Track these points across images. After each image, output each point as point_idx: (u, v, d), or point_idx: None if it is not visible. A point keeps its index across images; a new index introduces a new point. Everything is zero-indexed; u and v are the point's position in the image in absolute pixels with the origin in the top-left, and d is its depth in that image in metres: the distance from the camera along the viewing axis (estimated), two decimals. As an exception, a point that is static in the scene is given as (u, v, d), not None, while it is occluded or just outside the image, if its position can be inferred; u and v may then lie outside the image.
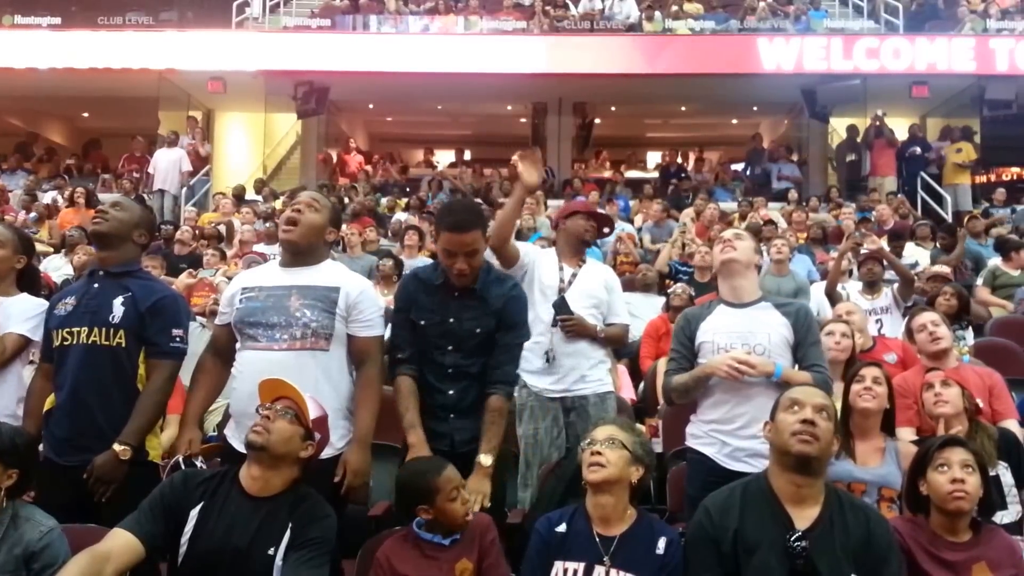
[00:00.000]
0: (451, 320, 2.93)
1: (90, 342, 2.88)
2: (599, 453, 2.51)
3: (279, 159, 14.70)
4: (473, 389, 2.92)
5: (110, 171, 13.04)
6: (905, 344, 4.18)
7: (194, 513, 2.42)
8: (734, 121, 16.22)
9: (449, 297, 2.95)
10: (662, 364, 4.74)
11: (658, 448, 4.00)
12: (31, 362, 3.60)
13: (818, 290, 6.07)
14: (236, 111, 14.10)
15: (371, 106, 15.43)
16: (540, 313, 3.64)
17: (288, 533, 2.38)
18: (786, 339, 2.97)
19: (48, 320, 3.02)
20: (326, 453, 2.66)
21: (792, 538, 2.30)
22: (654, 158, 17.01)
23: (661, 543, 2.48)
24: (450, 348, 2.92)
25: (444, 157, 16.41)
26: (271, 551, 2.35)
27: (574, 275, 3.81)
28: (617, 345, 4.23)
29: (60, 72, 12.10)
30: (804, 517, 2.36)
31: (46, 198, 10.86)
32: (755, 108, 15.06)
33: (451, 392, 2.91)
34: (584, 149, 15.26)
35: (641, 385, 5.20)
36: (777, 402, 2.51)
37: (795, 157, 13.47)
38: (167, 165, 11.58)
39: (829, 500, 2.39)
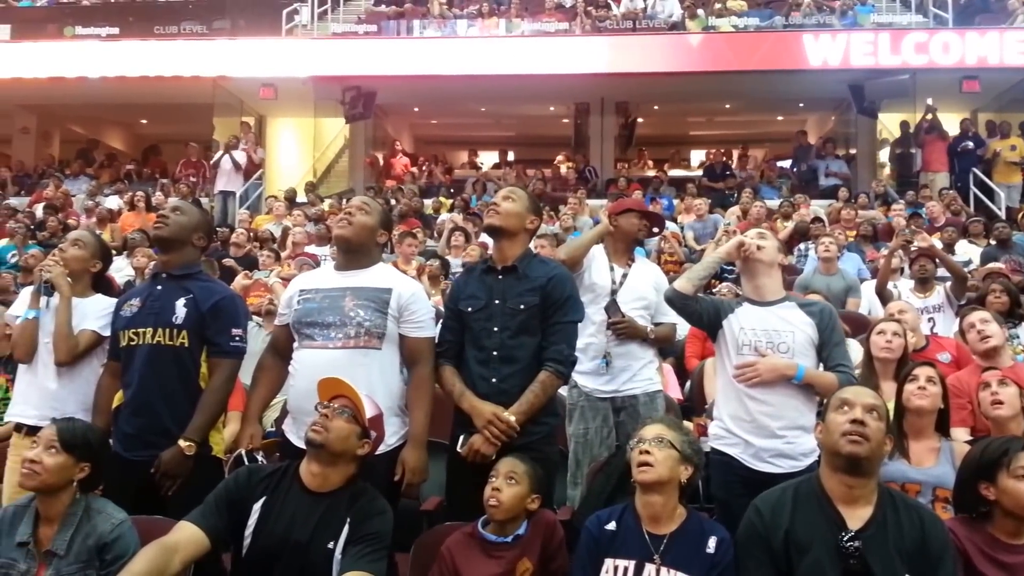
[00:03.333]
0: (496, 301, 2.99)
1: (155, 342, 3.00)
2: (648, 452, 2.51)
3: (328, 163, 14.95)
4: (517, 377, 2.92)
5: (168, 176, 13.38)
6: (959, 343, 4.14)
7: (257, 507, 2.49)
8: (779, 118, 16.06)
9: (493, 279, 3.04)
10: (709, 364, 4.78)
11: (706, 447, 4.04)
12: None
13: (868, 289, 6.03)
14: (287, 116, 14.36)
15: (416, 109, 15.59)
16: (591, 314, 3.64)
17: (347, 528, 2.44)
18: (811, 339, 2.98)
19: (115, 321, 3.16)
20: (380, 449, 2.72)
21: (845, 538, 2.28)
22: (698, 156, 16.92)
23: (712, 542, 2.46)
24: (495, 330, 2.96)
25: (488, 158, 16.53)
26: (331, 545, 2.41)
27: (624, 275, 3.86)
28: (666, 344, 4.26)
29: (118, 80, 12.45)
30: (856, 517, 2.34)
31: (108, 202, 11.20)
32: (801, 104, 14.89)
33: (494, 379, 2.93)
34: (627, 148, 15.24)
35: (688, 384, 5.24)
36: (827, 403, 2.50)
37: (842, 153, 13.32)
38: (229, 168, 11.88)
39: (882, 500, 2.37)
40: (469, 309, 3.03)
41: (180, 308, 3.02)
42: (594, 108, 14.13)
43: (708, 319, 3.12)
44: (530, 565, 2.60)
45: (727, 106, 15.26)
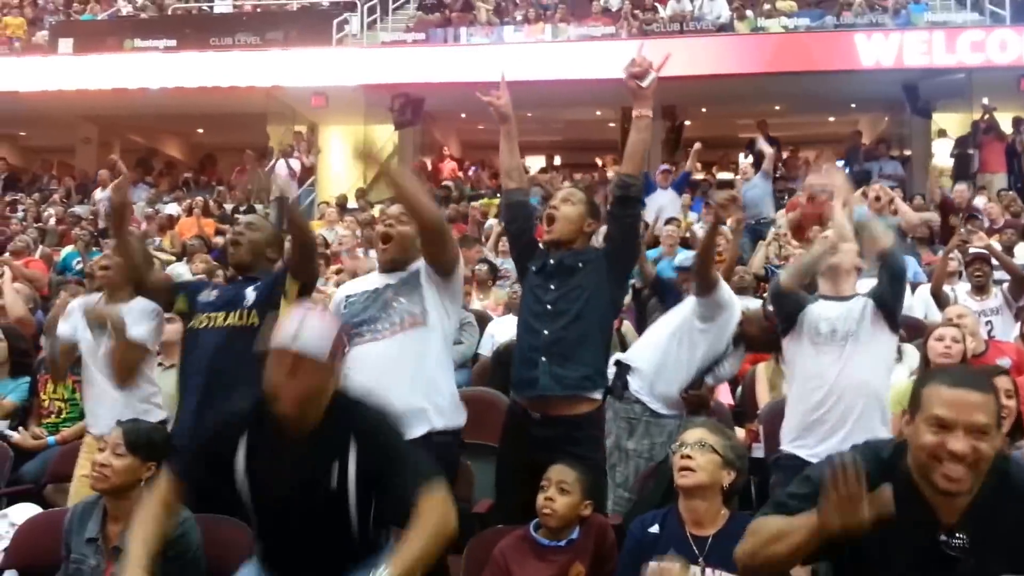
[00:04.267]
0: (552, 262, 3.07)
1: (227, 325, 3.12)
2: (689, 457, 2.52)
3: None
4: (570, 330, 2.96)
5: (224, 183, 13.69)
6: (1019, 347, 4.08)
7: (240, 457, 2.26)
8: (831, 119, 15.83)
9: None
10: (761, 369, 4.78)
11: (759, 453, 4.01)
12: (159, 364, 3.96)
13: (924, 292, 5.94)
14: (337, 124, 14.59)
15: (463, 115, 15.69)
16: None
17: (353, 444, 2.17)
18: (871, 318, 3.13)
19: (192, 304, 3.28)
20: (425, 429, 2.83)
21: (941, 535, 1.74)
22: (746, 161, 16.76)
23: None
24: (552, 287, 3.03)
25: (534, 163, 16.58)
26: (334, 468, 2.17)
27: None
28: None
29: (176, 91, 12.79)
30: (952, 508, 1.76)
31: (167, 209, 11.51)
32: (853, 105, 14.66)
33: (545, 332, 2.98)
34: (674, 151, 15.17)
35: (739, 389, 5.24)
36: (918, 394, 1.81)
37: (895, 153, 13.10)
38: (284, 175, 12.09)
39: (987, 486, 1.75)
40: (534, 268, 3.12)
41: (250, 293, 3.15)
42: (642, 112, 14.06)
43: (788, 310, 3.22)
44: (582, 569, 2.63)
45: (777, 108, 15.09)
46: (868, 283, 3.44)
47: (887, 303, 3.13)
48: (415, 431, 2.81)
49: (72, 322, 3.69)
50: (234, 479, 2.24)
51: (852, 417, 3.02)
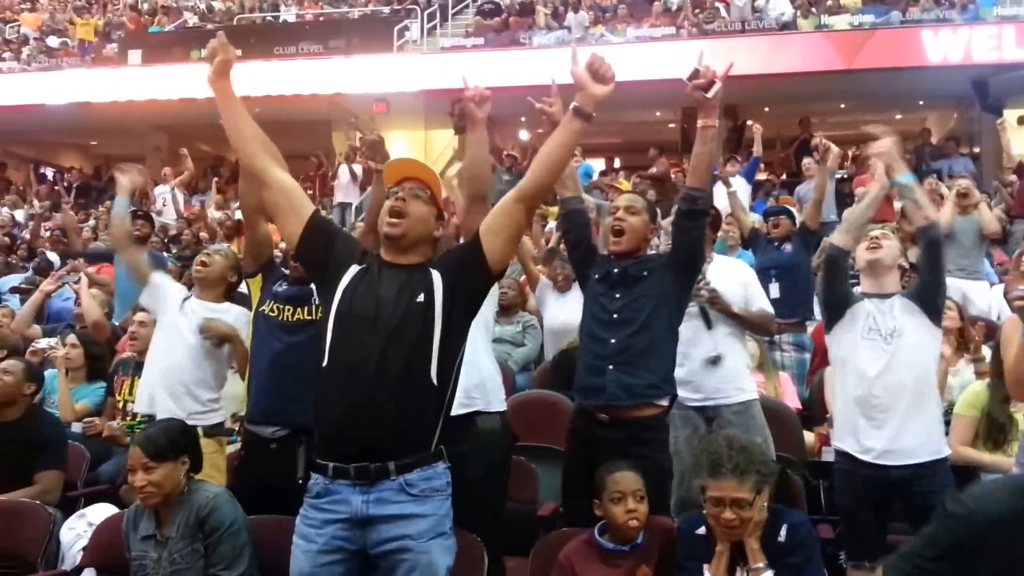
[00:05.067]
0: (616, 271, 3.07)
1: (295, 319, 3.21)
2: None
3: (438, 173, 15.26)
4: (637, 339, 2.96)
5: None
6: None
7: (353, 268, 2.38)
8: (898, 116, 15.44)
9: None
10: (828, 371, 4.68)
11: (829, 457, 3.95)
12: (231, 367, 4.05)
13: (997, 292, 5.77)
14: (398, 130, 14.76)
15: (523, 119, 15.76)
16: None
17: (438, 279, 2.32)
18: (918, 319, 3.07)
19: (265, 288, 3.37)
20: (468, 408, 2.89)
21: None
22: (809, 160, 16.43)
23: (783, 532, 2.54)
24: (617, 296, 3.03)
25: (594, 165, 16.51)
26: (420, 298, 2.29)
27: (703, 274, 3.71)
28: (763, 332, 4.11)
29: (242, 100, 13.04)
30: None
31: (237, 215, 11.74)
32: (921, 102, 14.32)
33: (612, 340, 2.99)
34: (736, 151, 14.97)
35: (807, 392, 5.12)
36: None
37: (965, 151, 12.72)
38: (347, 180, 12.33)
39: None
40: (596, 276, 3.13)
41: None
42: (702, 112, 13.93)
43: (840, 294, 3.19)
44: (649, 572, 2.64)
45: (842, 106, 14.80)
46: None
47: (929, 297, 3.07)
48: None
49: (156, 296, 3.76)
50: (329, 288, 2.35)
51: (899, 413, 2.96)
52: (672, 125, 15.57)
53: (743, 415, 3.53)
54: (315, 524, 2.26)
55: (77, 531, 3.44)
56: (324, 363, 2.28)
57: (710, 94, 2.90)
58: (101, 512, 3.50)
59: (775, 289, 5.38)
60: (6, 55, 15.65)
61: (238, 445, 3.73)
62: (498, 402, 3.14)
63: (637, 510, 2.69)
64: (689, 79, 2.92)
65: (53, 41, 16.01)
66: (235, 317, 3.65)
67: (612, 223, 3.14)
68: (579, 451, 3.05)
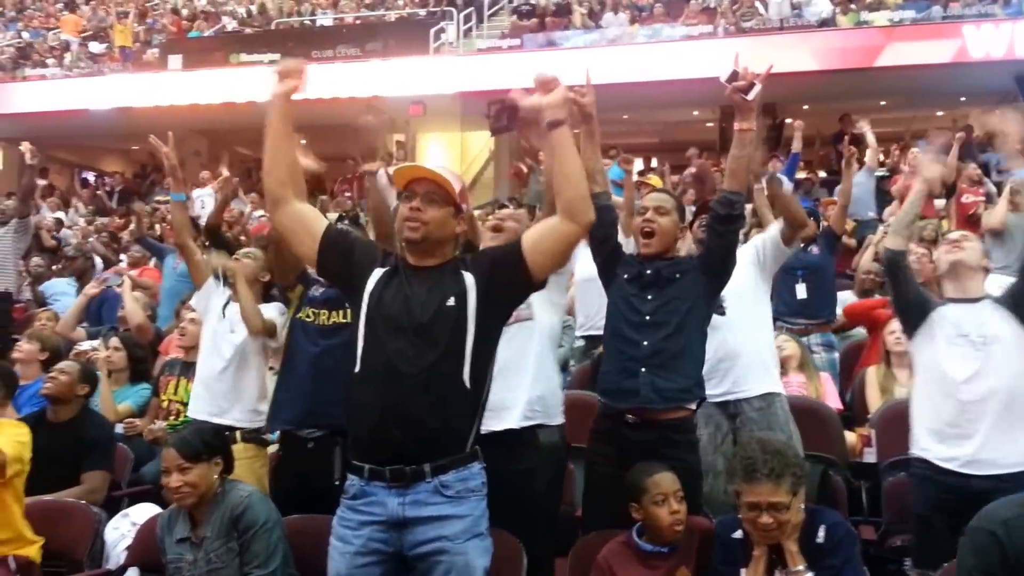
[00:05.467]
0: (648, 272, 3.03)
1: (331, 323, 3.24)
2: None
3: (474, 175, 15.32)
4: (670, 342, 2.92)
5: (326, 193, 14.07)
6: None
7: (377, 272, 2.37)
8: (939, 113, 15.17)
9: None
10: (871, 372, 4.61)
11: (871, 458, 3.91)
12: (270, 368, 4.09)
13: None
14: (435, 132, 14.84)
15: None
16: None
17: (471, 280, 2.30)
18: (1014, 326, 2.97)
19: (303, 295, 3.40)
20: (516, 424, 2.85)
21: None
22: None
23: (821, 532, 2.51)
24: (649, 297, 2.99)
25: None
26: (450, 302, 2.28)
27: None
28: (796, 223, 3.64)
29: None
30: None
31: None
32: (963, 99, 14.03)
33: (645, 343, 2.94)
34: (775, 150, 14.80)
35: (848, 394, 5.05)
36: None
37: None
38: (385, 183, 12.36)
39: None
40: (625, 276, 3.07)
41: None
42: (740, 111, 13.80)
43: (915, 298, 3.09)
44: (688, 574, 2.63)
45: (882, 103, 14.56)
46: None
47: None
48: (504, 424, 2.88)
49: (207, 300, 3.85)
50: (356, 294, 2.34)
51: (987, 422, 2.88)
52: (710, 124, 15.43)
53: (765, 410, 3.45)
54: (352, 526, 2.27)
55: (121, 531, 3.49)
56: (357, 368, 2.30)
57: (750, 96, 2.84)
58: (144, 512, 3.55)
59: (802, 290, 5.37)
60: (49, 61, 15.98)
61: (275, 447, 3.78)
62: (559, 415, 3.10)
63: (680, 511, 2.67)
64: (728, 81, 2.86)
65: (96, 47, 16.32)
66: (270, 314, 3.69)
67: (642, 224, 3.09)
68: (605, 452, 3.01)
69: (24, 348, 4.68)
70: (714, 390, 3.38)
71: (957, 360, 2.97)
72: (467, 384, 2.25)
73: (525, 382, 2.96)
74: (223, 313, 3.75)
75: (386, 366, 2.24)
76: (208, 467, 2.80)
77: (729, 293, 3.27)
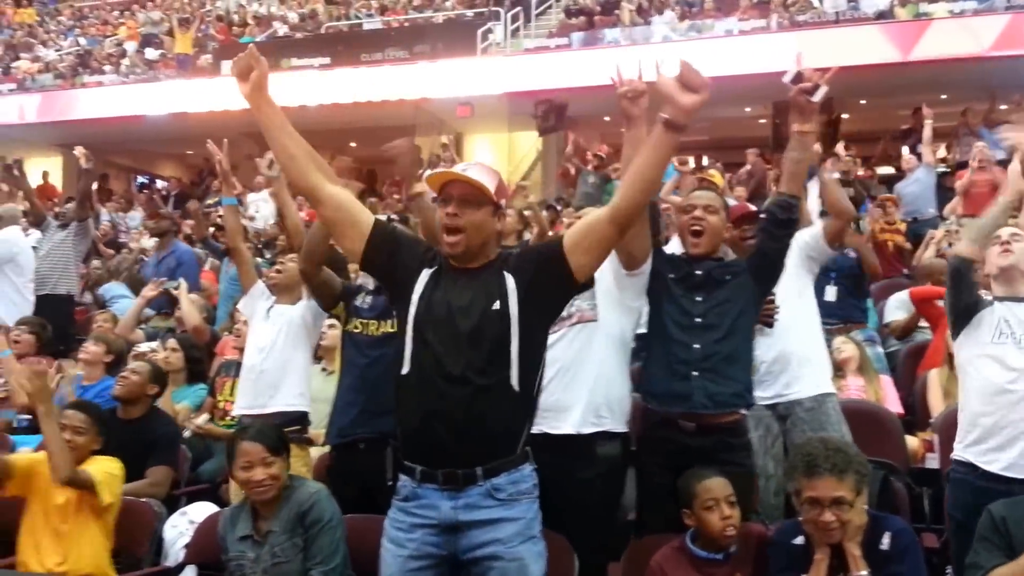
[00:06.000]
0: (698, 273, 2.96)
1: (380, 333, 3.27)
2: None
3: (522, 175, 15.31)
4: (722, 345, 2.85)
5: (376, 194, 14.21)
6: None
7: (424, 274, 2.34)
8: (1002, 107, 14.73)
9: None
10: (933, 375, 4.49)
11: (933, 463, 3.80)
12: (322, 370, 4.12)
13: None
14: (482, 132, 14.87)
15: (607, 119, 15.64)
16: None
17: (512, 283, 2.27)
18: None
19: (347, 308, 3.45)
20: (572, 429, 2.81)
21: None
22: (906, 151, 15.82)
23: (886, 539, 2.45)
24: (699, 299, 2.92)
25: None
26: (496, 305, 2.24)
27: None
28: (844, 216, 3.64)
29: (332, 107, 13.40)
30: None
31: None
32: (1033, 92, 13.61)
33: (696, 346, 2.87)
34: (831, 146, 14.51)
35: (911, 397, 4.91)
36: None
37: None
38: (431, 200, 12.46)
39: None
40: (672, 276, 2.99)
41: None
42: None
43: (971, 303, 2.99)
44: (743, 581, 2.57)
45: (942, 97, 14.18)
46: None
47: None
48: (563, 427, 2.85)
49: (253, 304, 3.91)
50: (402, 294, 2.32)
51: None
52: (763, 121, 15.20)
53: (816, 411, 3.36)
54: (404, 528, 2.27)
55: (179, 529, 3.54)
56: (403, 371, 2.28)
57: (816, 98, 2.74)
58: (202, 510, 3.60)
59: (831, 292, 5.22)
60: (107, 68, 16.38)
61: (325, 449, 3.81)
62: (622, 424, 3.02)
63: (732, 516, 2.63)
64: (792, 82, 2.76)
65: (151, 53, 16.69)
66: (303, 314, 3.74)
67: (690, 222, 3.00)
68: (659, 459, 2.95)
69: (91, 350, 4.79)
70: (764, 392, 3.32)
71: (1001, 360, 2.88)
72: (515, 387, 2.23)
73: (584, 385, 2.91)
74: (267, 315, 3.81)
75: (432, 369, 2.23)
76: (284, 462, 2.87)
77: (775, 295, 3.21)
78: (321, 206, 2.39)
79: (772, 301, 3.25)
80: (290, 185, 2.31)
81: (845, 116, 14.52)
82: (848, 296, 5.31)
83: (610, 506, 3.00)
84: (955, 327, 3.07)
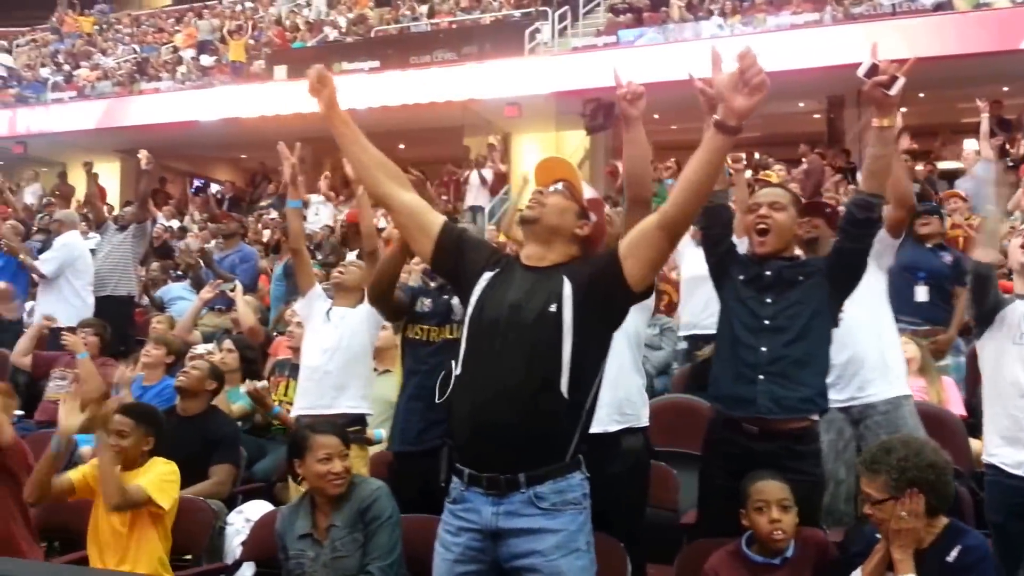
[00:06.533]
0: (768, 273, 2.88)
1: (440, 340, 3.31)
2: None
3: (570, 175, 15.28)
4: (791, 349, 2.77)
5: (425, 197, 14.29)
6: None
7: (486, 276, 2.35)
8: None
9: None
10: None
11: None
12: (374, 370, 4.14)
13: None
14: (530, 132, 14.84)
15: (656, 116, 15.49)
16: None
17: (569, 289, 2.23)
18: None
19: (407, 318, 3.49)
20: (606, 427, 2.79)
21: None
22: (970, 145, 15.38)
23: (955, 551, 2.36)
24: (768, 301, 2.84)
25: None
26: (552, 307, 2.21)
27: None
28: (905, 202, 3.51)
29: (381, 110, 13.51)
30: None
31: (379, 223, 12.17)
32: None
33: (763, 349, 2.80)
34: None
35: (973, 400, 4.77)
36: None
37: None
38: (478, 184, 12.60)
39: None
40: (741, 277, 2.93)
41: (458, 306, 3.26)
42: (849, 101, 13.30)
43: (992, 303, 2.93)
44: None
45: (1005, 89, 13.76)
46: None
47: None
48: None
49: (311, 307, 3.95)
50: (466, 299, 2.34)
51: None
52: (817, 116, 14.93)
53: (892, 414, 3.30)
54: (451, 531, 2.26)
55: (236, 526, 3.61)
56: (458, 371, 2.27)
57: (892, 91, 2.61)
58: (258, 509, 3.66)
59: (923, 292, 5.05)
60: (163, 75, 16.75)
61: (382, 446, 3.84)
62: (644, 418, 3.05)
63: (782, 520, 2.57)
64: (867, 76, 2.64)
65: (206, 59, 17.02)
66: (362, 318, 3.79)
67: (755, 221, 2.93)
68: (721, 463, 2.90)
69: (152, 352, 4.90)
70: (838, 395, 3.23)
71: (1021, 360, 2.82)
72: (565, 394, 2.17)
73: (607, 383, 2.86)
74: (328, 316, 3.84)
75: (482, 371, 2.22)
76: (353, 457, 2.94)
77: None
78: (395, 213, 2.48)
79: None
80: (368, 193, 2.41)
81: (903, 110, 14.19)
82: (944, 299, 5.13)
83: (639, 502, 3.01)
84: (979, 329, 3.03)
